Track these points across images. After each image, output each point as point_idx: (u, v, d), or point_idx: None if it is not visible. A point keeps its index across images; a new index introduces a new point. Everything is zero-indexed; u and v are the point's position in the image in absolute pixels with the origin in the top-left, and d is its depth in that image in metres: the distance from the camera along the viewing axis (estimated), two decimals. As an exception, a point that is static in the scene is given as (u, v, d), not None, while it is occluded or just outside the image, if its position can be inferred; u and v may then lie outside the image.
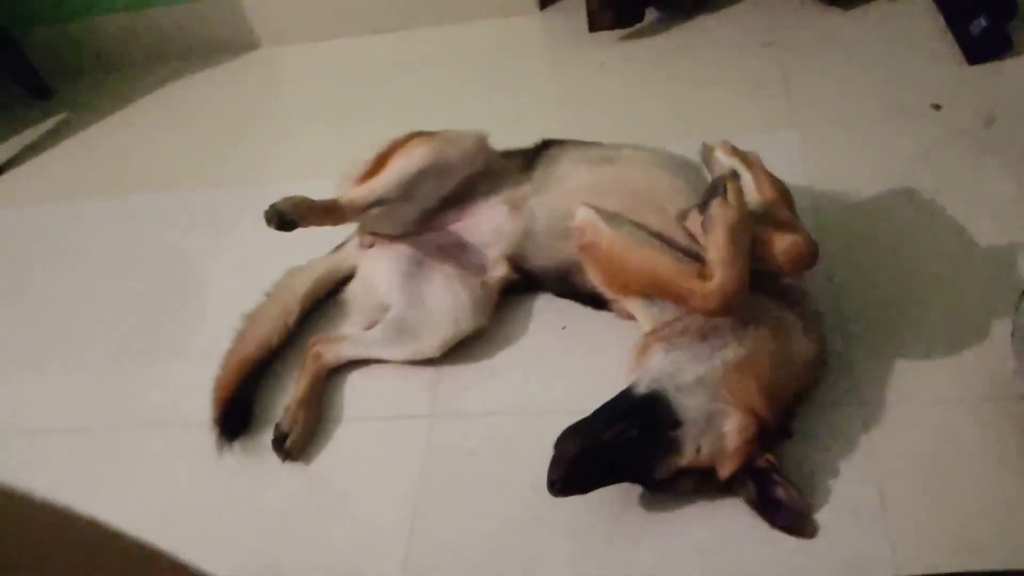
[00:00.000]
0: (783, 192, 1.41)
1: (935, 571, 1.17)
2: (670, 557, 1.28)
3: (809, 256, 1.29)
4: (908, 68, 1.97)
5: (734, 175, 1.32)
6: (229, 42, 2.71)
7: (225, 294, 1.88)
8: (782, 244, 1.28)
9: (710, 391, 1.26)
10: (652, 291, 1.38)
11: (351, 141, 1.72)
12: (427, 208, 1.64)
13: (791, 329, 1.34)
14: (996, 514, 1.24)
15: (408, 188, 1.56)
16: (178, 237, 2.12)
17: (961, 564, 1.19)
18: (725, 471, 1.26)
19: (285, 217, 1.45)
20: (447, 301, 1.59)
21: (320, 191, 1.56)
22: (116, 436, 1.69)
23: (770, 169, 1.45)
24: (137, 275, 2.05)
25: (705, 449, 1.25)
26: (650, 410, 1.26)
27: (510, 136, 1.69)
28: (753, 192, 1.37)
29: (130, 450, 1.66)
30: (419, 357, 1.60)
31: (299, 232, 1.66)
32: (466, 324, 1.59)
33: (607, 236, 1.40)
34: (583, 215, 1.44)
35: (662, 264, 1.33)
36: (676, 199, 1.41)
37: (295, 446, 1.52)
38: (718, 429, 1.25)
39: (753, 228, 1.28)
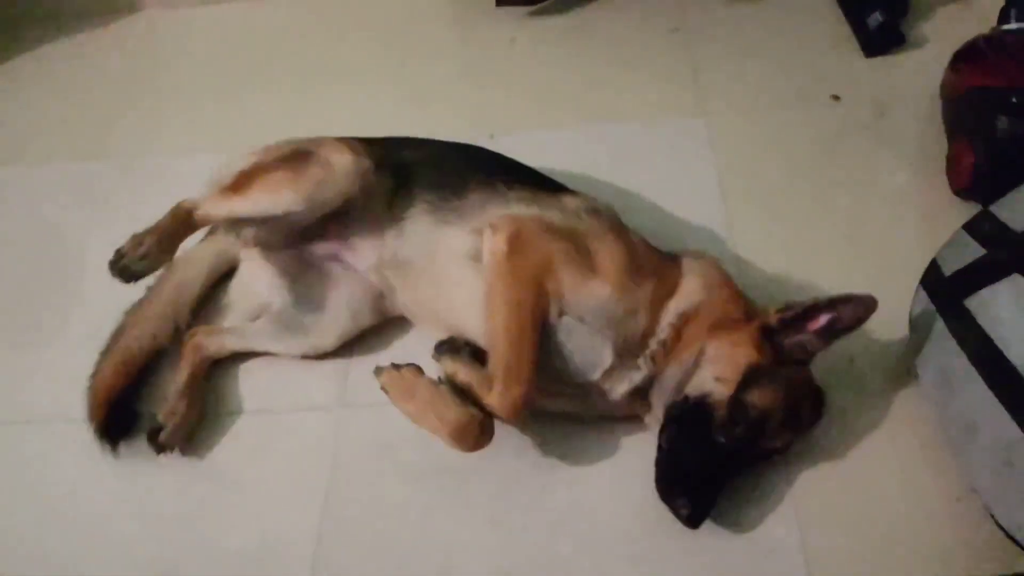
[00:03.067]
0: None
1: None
2: (591, 545, 1.29)
3: None
4: (810, 59, 2.03)
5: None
6: (110, 2, 2.53)
7: (106, 275, 1.73)
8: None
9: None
10: None
11: (242, 114, 1.62)
12: (298, 230, 1.53)
13: None
14: (898, 502, 1.30)
15: (271, 222, 1.49)
16: (54, 214, 1.98)
17: (866, 545, 1.25)
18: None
19: (129, 272, 1.41)
20: (342, 296, 1.53)
21: (207, 167, 1.53)
22: (-12, 433, 1.56)
23: (678, 156, 1.44)
24: (8, 255, 1.90)
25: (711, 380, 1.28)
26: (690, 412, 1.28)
27: (416, 113, 1.64)
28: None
29: (5, 448, 1.54)
30: (315, 352, 1.54)
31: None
32: (364, 319, 1.54)
33: None
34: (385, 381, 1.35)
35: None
36: None
37: (171, 439, 1.45)
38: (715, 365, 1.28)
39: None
